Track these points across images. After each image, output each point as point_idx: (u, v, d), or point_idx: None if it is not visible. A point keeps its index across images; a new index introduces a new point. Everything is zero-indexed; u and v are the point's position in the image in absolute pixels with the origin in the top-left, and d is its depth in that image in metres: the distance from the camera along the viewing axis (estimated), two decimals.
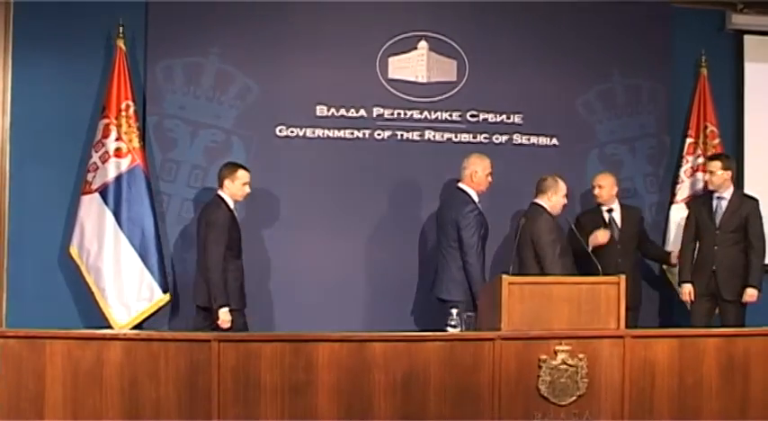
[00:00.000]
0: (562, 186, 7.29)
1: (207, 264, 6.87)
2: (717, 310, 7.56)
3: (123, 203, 7.32)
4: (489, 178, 7.30)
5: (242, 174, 7.07)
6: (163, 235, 7.48)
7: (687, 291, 7.58)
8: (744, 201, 7.53)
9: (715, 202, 7.54)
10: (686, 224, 7.75)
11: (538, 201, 7.30)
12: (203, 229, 6.97)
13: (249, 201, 7.43)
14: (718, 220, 7.48)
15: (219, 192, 7.08)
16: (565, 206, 7.38)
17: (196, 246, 7.17)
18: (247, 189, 7.10)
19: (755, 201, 7.54)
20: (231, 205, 7.06)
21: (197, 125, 7.63)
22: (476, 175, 7.26)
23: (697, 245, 7.62)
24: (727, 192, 7.52)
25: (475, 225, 7.13)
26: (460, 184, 7.31)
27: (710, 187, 7.59)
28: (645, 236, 7.94)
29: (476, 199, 7.25)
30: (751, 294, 7.39)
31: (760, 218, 7.49)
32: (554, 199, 7.25)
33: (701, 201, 7.77)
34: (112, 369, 5.51)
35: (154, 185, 7.47)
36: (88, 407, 5.47)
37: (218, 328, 6.75)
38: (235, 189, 7.06)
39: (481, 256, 7.13)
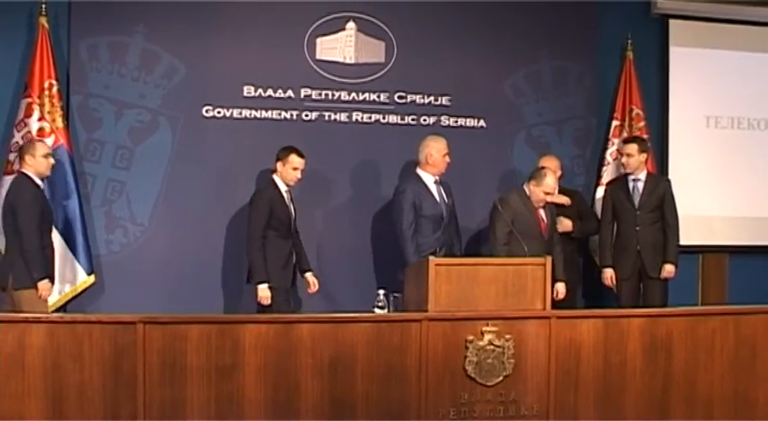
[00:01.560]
0: (546, 182, 7.09)
1: (246, 242, 7.08)
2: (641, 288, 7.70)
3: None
4: (446, 158, 7.29)
5: (293, 159, 7.07)
6: (87, 216, 7.40)
7: (609, 275, 7.70)
8: (659, 182, 7.70)
9: (631, 184, 7.64)
10: (603, 208, 7.84)
11: (524, 184, 7.26)
12: None
13: (175, 181, 7.41)
14: (636, 201, 7.59)
15: (273, 175, 7.15)
16: (547, 202, 7.24)
17: None
18: (298, 174, 7.11)
19: (668, 180, 7.74)
20: (282, 187, 7.12)
21: (122, 105, 7.53)
22: (431, 158, 7.26)
23: (615, 228, 7.73)
24: (642, 174, 7.65)
25: (402, 207, 7.17)
26: (417, 168, 7.34)
27: (627, 170, 7.67)
28: (586, 215, 7.98)
29: (428, 182, 7.28)
30: (669, 270, 7.54)
31: (673, 197, 7.63)
32: (532, 189, 7.16)
33: (616, 184, 7.86)
34: (35, 352, 5.42)
35: (78, 166, 7.38)
36: (10, 391, 5.38)
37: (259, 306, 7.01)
38: (285, 172, 7.10)
39: (413, 239, 7.15)
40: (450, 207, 7.39)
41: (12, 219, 6.59)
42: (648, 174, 7.71)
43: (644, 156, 7.63)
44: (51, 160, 6.81)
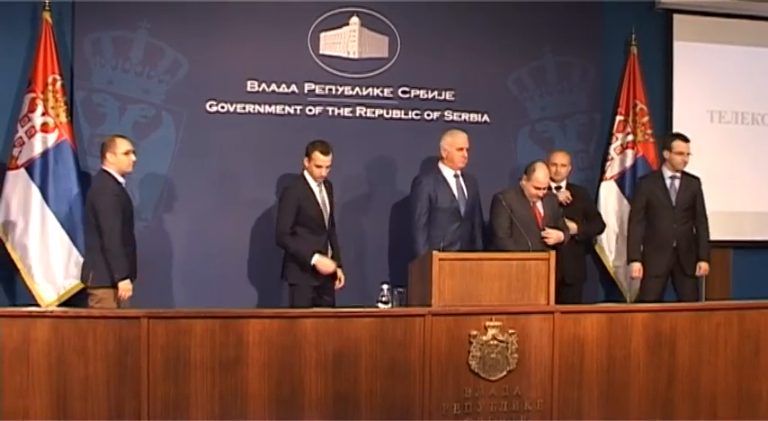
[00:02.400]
0: (536, 177, 7.08)
1: (276, 241, 7.10)
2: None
3: (50, 179, 7.24)
4: (463, 154, 7.24)
5: (315, 156, 7.02)
6: None
7: (637, 268, 7.71)
8: (691, 180, 7.73)
9: (668, 181, 7.68)
10: (635, 203, 7.84)
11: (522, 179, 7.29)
12: None
13: (179, 176, 7.42)
14: (674, 199, 7.63)
15: (304, 170, 7.14)
16: (542, 196, 7.22)
17: None
18: (322, 172, 7.05)
19: (699, 179, 7.75)
20: (311, 182, 7.10)
21: (126, 100, 7.53)
22: (444, 151, 7.27)
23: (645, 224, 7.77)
24: (679, 172, 7.69)
25: (417, 198, 7.22)
26: (438, 162, 7.36)
27: (680, 168, 7.68)
28: (591, 215, 7.96)
29: (447, 176, 7.28)
30: (705, 268, 7.65)
31: (703, 195, 7.71)
32: (524, 184, 7.18)
33: (650, 180, 7.86)
34: (40, 347, 5.43)
35: (82, 161, 7.37)
36: (15, 386, 5.39)
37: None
38: (310, 168, 7.08)
39: (424, 230, 7.16)
40: (472, 201, 7.37)
41: (93, 218, 6.58)
42: (683, 172, 7.73)
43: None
44: (133, 157, 6.82)
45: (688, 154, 7.65)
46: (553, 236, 7.18)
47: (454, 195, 7.26)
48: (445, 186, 7.25)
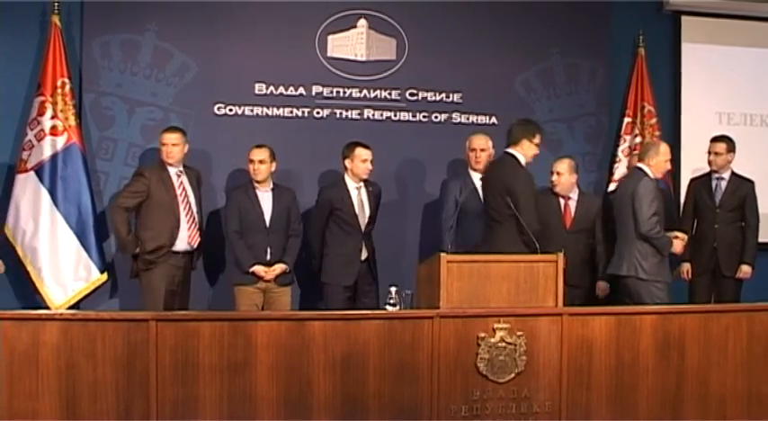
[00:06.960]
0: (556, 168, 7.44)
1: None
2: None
3: (59, 182, 7.26)
4: (475, 154, 7.33)
5: (359, 152, 7.25)
6: (100, 214, 7.40)
7: (686, 269, 7.85)
8: (741, 182, 7.78)
9: (714, 183, 7.77)
10: (684, 203, 8.00)
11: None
12: None
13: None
14: (717, 200, 7.71)
15: (345, 173, 7.33)
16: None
17: None
18: (369, 166, 7.27)
19: (752, 182, 7.80)
20: (350, 184, 7.30)
21: (134, 103, 7.57)
22: (466, 156, 7.42)
23: (695, 224, 7.86)
24: (727, 174, 7.76)
25: (444, 204, 7.40)
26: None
27: (713, 167, 7.76)
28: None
29: (474, 178, 7.32)
30: (745, 271, 7.71)
31: (756, 199, 7.74)
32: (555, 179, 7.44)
33: (699, 181, 7.94)
34: (49, 350, 5.42)
35: (90, 164, 7.40)
36: (24, 389, 5.38)
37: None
38: (355, 167, 7.27)
39: (452, 233, 7.21)
40: None
41: None
42: (733, 174, 7.79)
43: (732, 155, 7.73)
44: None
45: (716, 153, 7.70)
46: (602, 289, 7.45)
47: (480, 197, 7.24)
48: (471, 188, 7.27)
